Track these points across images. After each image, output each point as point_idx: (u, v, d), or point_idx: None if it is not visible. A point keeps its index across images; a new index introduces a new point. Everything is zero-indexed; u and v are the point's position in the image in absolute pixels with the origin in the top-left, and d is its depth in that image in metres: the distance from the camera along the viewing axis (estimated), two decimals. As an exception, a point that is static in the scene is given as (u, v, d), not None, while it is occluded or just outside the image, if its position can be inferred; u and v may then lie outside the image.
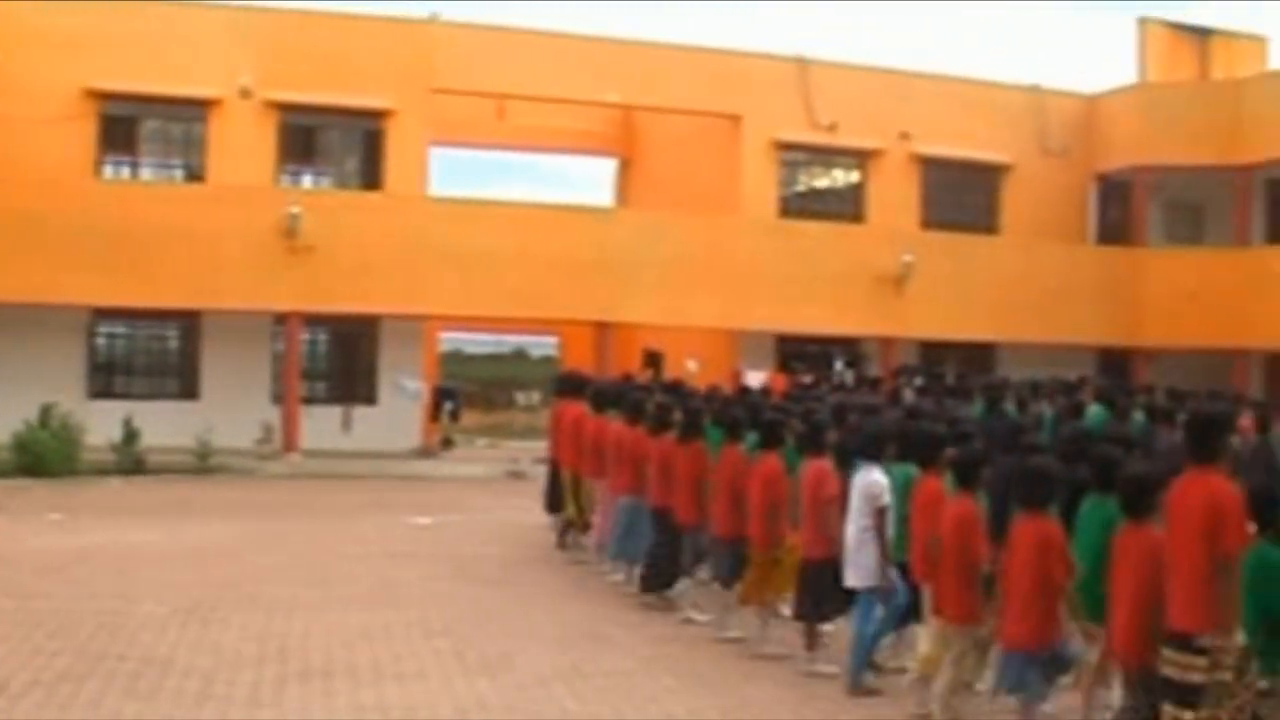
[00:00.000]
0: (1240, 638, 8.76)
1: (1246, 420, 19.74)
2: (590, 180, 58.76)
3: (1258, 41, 43.67)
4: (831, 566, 13.08)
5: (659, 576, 16.72)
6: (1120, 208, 41.42)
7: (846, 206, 39.22)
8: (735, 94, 36.91)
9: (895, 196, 38.79)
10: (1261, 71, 41.51)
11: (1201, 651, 8.63)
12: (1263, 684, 9.05)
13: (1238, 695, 8.75)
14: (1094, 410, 21.47)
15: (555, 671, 13.16)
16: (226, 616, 15.22)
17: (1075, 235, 41.08)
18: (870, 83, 38.14)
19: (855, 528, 12.77)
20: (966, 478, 11.14)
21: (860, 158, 38.98)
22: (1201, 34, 42.74)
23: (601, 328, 35.24)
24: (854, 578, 12.79)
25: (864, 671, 12.68)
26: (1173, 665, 8.78)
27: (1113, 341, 38.56)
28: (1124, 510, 9.75)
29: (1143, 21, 41.96)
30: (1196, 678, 8.65)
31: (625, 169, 44.45)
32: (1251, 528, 8.92)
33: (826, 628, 13.80)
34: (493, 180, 58.30)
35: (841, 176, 39.85)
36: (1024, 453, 12.30)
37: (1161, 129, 38.81)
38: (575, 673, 13.16)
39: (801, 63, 37.64)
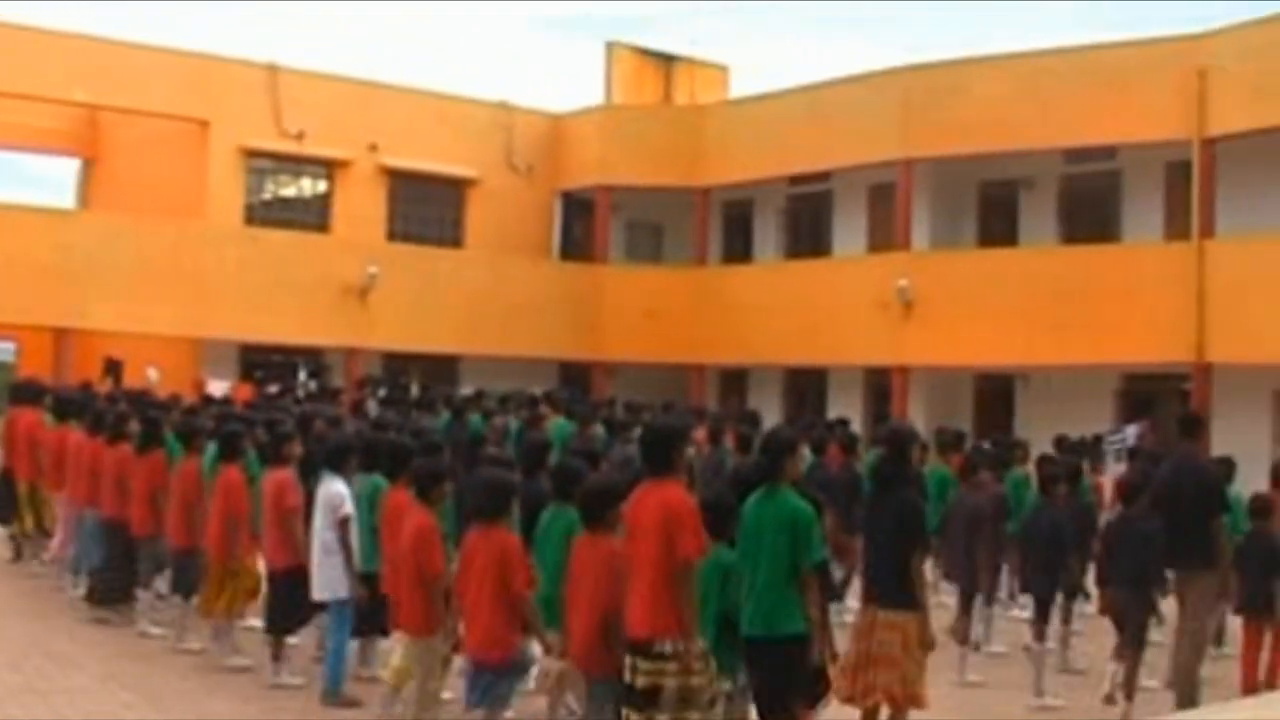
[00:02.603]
0: (701, 642, 9.08)
1: (701, 433, 20.53)
2: (52, 180, 56.65)
3: (719, 70, 45.58)
4: (297, 577, 13.02)
5: (114, 590, 16.32)
6: (583, 225, 42.41)
7: (313, 216, 38.92)
8: (204, 98, 36.16)
9: (362, 207, 38.68)
10: (722, 99, 43.28)
11: (663, 657, 8.87)
12: (726, 686, 9.44)
13: (706, 698, 9.06)
14: (558, 422, 21.96)
15: (7, 691, 12.69)
16: None
17: (539, 250, 41.81)
18: (340, 92, 37.99)
19: (320, 540, 12.75)
20: (426, 490, 11.19)
21: (328, 167, 38.73)
22: (666, 60, 44.23)
23: (60, 333, 34.03)
24: (321, 590, 12.75)
25: (341, 682, 12.65)
26: (637, 672, 8.97)
27: (575, 355, 39.39)
28: (581, 521, 9.97)
29: (610, 46, 43.18)
30: (666, 682, 8.86)
31: (89, 170, 43.05)
32: (707, 536, 9.26)
33: (292, 640, 13.72)
34: (-49, 177, 55.68)
35: (309, 186, 39.55)
36: (481, 464, 12.52)
37: (625, 150, 40.02)
38: (29, 691, 12.71)
39: (272, 69, 37.19)
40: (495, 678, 10.31)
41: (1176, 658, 13.17)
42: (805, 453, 15.43)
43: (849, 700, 10.78)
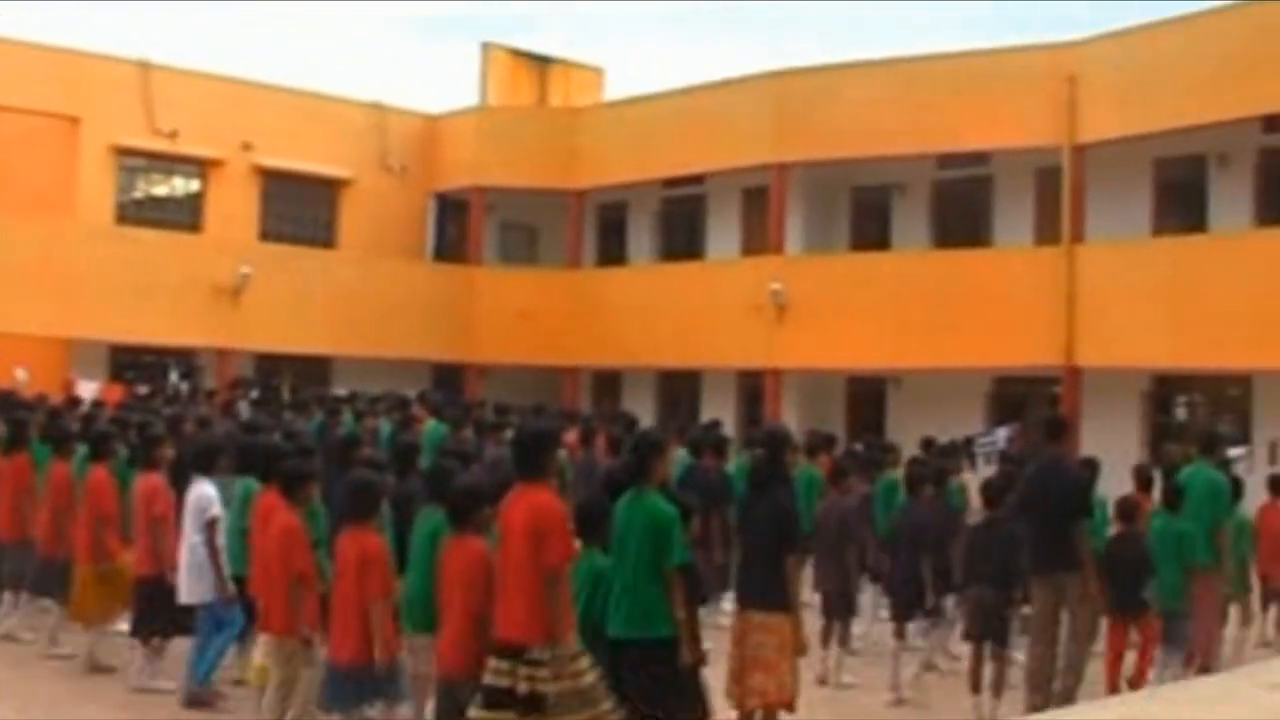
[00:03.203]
0: (576, 642, 9.12)
1: (573, 436, 20.56)
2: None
3: (595, 72, 45.64)
4: (162, 584, 12.94)
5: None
6: (457, 226, 42.35)
7: (185, 215, 38.54)
8: (75, 95, 35.66)
9: (235, 207, 38.37)
10: (597, 101, 43.37)
11: (536, 663, 8.89)
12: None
13: (596, 702, 9.09)
14: (431, 424, 21.92)
15: None
16: None
17: (413, 252, 41.70)
18: (214, 90, 37.64)
19: (189, 543, 12.67)
20: (293, 491, 11.17)
21: (201, 166, 38.40)
22: (542, 62, 44.24)
23: (-73, 334, 33.54)
24: (190, 594, 12.67)
25: (206, 686, 12.58)
26: (516, 676, 8.97)
27: (448, 357, 39.28)
28: (450, 522, 10.00)
29: (486, 47, 43.15)
30: (546, 688, 8.88)
31: (-46, 167, 42.48)
32: (577, 541, 9.31)
33: (157, 642, 13.60)
34: None
35: (181, 185, 39.18)
36: (353, 466, 12.51)
37: (500, 151, 39.98)
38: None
39: (144, 66, 36.81)
40: (353, 679, 10.30)
41: (1034, 656, 13.34)
42: (678, 454, 15.59)
43: (737, 706, 10.91)
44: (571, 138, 40.11)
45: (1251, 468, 24.99)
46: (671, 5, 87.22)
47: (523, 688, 8.94)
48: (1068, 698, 12.86)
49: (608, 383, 41.23)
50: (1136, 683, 13.81)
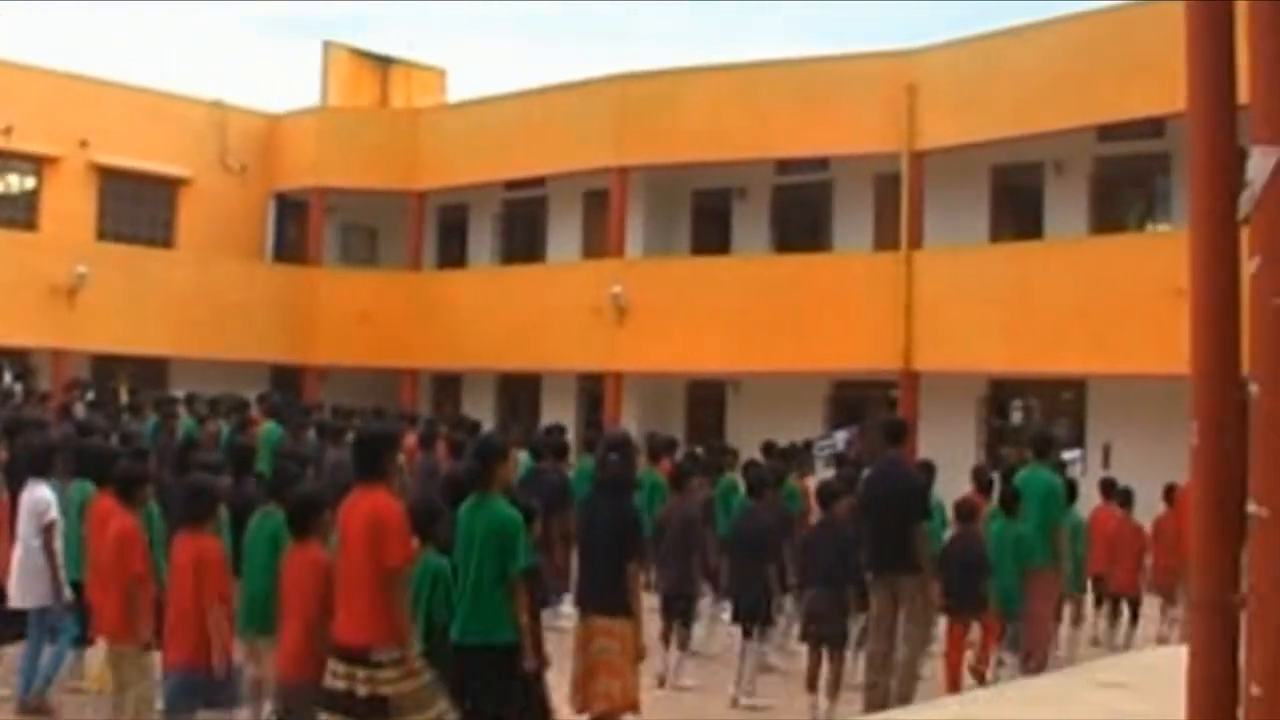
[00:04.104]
0: (416, 645, 9.08)
1: (412, 438, 20.49)
2: None
3: (437, 73, 45.55)
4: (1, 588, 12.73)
5: None
6: (297, 227, 42.06)
7: (20, 213, 37.86)
8: (-96, 89, 35.06)
9: (71, 205, 37.75)
10: (439, 102, 43.27)
11: (381, 665, 8.82)
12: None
13: (436, 702, 9.03)
14: (268, 426, 21.71)
15: None
16: None
17: (253, 252, 41.33)
18: (50, 86, 36.98)
19: (25, 546, 12.47)
20: (129, 493, 11.01)
21: (37, 163, 37.75)
22: (383, 62, 44.07)
23: None
24: (23, 598, 12.47)
25: (46, 692, 12.37)
26: (355, 679, 8.87)
27: (287, 358, 38.97)
28: (289, 529, 9.91)
29: (327, 46, 42.90)
30: (387, 690, 8.79)
31: None
32: (415, 541, 9.28)
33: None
34: None
35: (16, 182, 38.51)
36: (190, 469, 12.39)
37: (340, 151, 39.75)
38: None
39: (-23, 61, 36.21)
40: (190, 685, 10.16)
41: (871, 656, 13.48)
42: (521, 458, 15.61)
43: (581, 711, 10.93)
44: (413, 139, 39.99)
45: (1085, 470, 25.44)
46: (514, 7, 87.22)
47: (362, 690, 8.86)
48: (905, 698, 13.01)
49: (447, 385, 41.13)
50: (978, 672, 14.04)
